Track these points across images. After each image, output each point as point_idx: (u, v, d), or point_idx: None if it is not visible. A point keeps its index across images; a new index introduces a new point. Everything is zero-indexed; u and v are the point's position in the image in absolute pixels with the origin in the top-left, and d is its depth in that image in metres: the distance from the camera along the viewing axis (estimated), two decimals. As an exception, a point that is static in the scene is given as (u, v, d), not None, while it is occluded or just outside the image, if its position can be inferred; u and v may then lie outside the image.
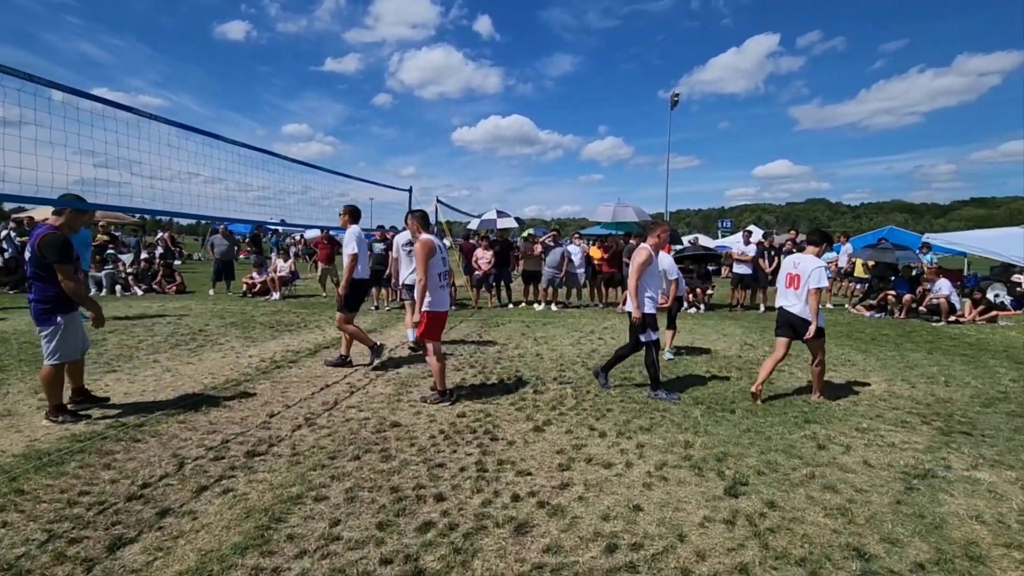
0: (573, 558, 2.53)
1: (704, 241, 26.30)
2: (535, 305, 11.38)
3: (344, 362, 6.18)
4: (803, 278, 4.90)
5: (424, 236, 4.91)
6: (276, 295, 12.24)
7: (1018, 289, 12.54)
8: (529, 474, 3.42)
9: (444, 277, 4.99)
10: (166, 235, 18.22)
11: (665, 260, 6.39)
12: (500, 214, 12.94)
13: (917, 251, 13.01)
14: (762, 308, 11.23)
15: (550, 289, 11.26)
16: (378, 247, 10.54)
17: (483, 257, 11.04)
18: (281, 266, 12.77)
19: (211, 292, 12.82)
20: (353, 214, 6.23)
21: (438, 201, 11.94)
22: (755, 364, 6.46)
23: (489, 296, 11.58)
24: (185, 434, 3.98)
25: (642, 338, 5.11)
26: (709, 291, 11.94)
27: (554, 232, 11.62)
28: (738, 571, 2.45)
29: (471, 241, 12.36)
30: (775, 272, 10.88)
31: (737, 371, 6.16)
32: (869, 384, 5.66)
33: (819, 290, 4.86)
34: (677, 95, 35.86)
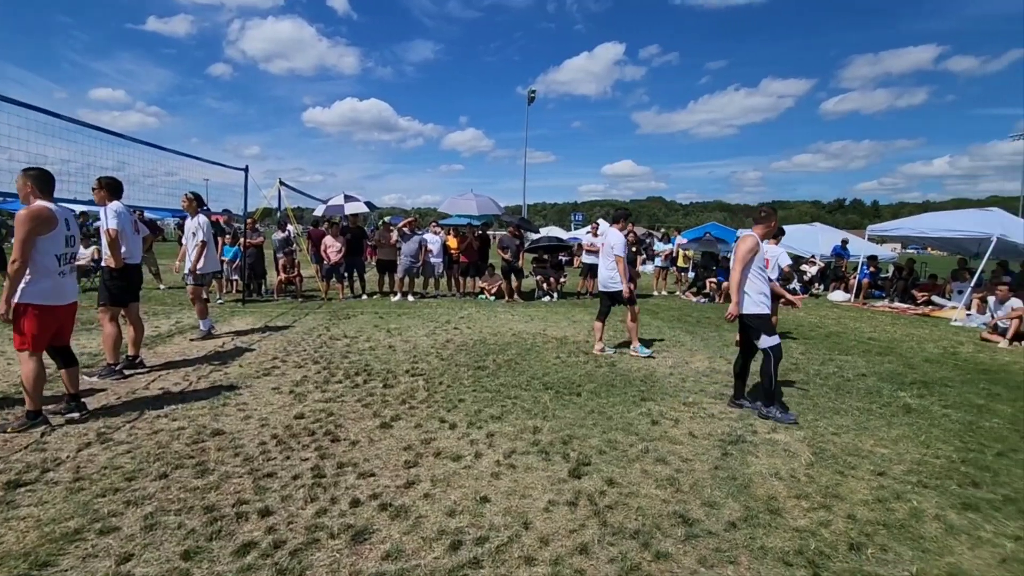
0: (415, 561, 2.38)
1: (558, 233, 27.63)
2: (391, 296, 10.96)
3: (135, 363, 5.28)
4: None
5: (38, 203, 3.61)
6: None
7: (805, 277, 14.97)
8: (372, 475, 3.19)
9: (66, 260, 3.75)
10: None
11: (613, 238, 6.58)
12: (348, 198, 12.15)
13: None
14: (607, 295, 12.02)
15: (406, 279, 10.93)
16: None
17: (332, 246, 10.34)
18: (82, 253, 10.76)
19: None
20: (111, 188, 5.01)
21: (281, 183, 10.92)
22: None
23: (340, 287, 10.89)
24: (-83, 467, 3.09)
25: (760, 344, 4.41)
26: (562, 280, 12.48)
27: (410, 220, 11.27)
28: (579, 551, 2.49)
29: (322, 228, 11.52)
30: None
31: (584, 355, 6.46)
32: (695, 362, 6.27)
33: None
34: (534, 92, 37.15)
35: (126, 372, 5.06)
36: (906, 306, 12.09)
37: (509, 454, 3.53)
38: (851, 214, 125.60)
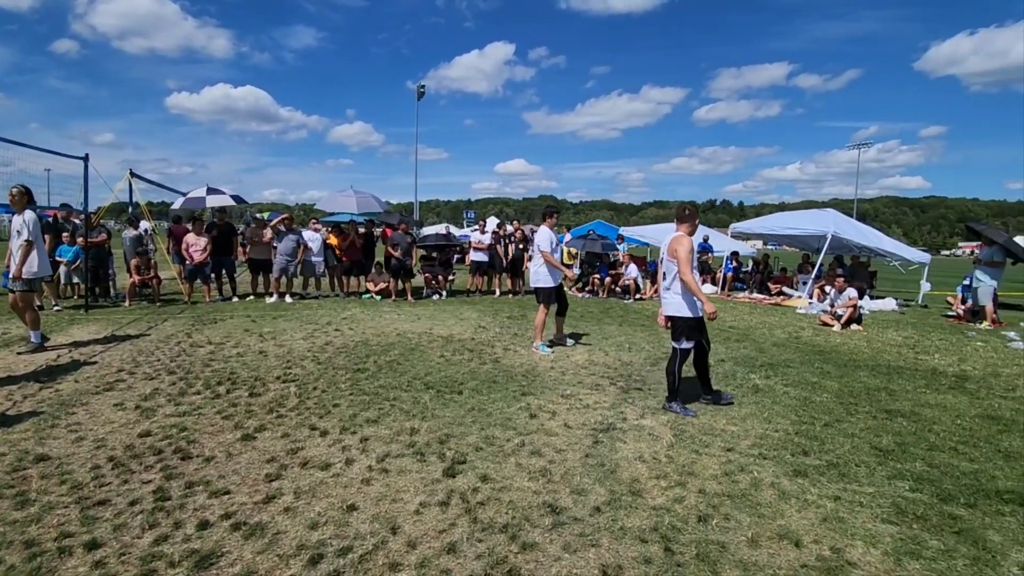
0: (267, 583, 2.20)
1: (453, 230, 27.50)
2: (266, 297, 10.21)
3: None
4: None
5: None
6: None
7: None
8: (227, 493, 2.92)
9: None
10: None
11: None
12: (212, 191, 11.10)
13: (615, 241, 15.73)
14: (497, 292, 12.15)
15: (283, 279, 10.24)
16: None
17: (195, 244, 9.41)
18: None
19: None
20: None
21: (132, 175, 9.74)
22: (486, 345, 6.87)
23: (207, 289, 9.94)
24: None
25: (677, 344, 4.50)
26: (451, 278, 12.42)
27: (286, 217, 10.57)
28: (447, 551, 2.45)
29: (186, 225, 10.44)
30: (508, 259, 11.89)
31: (469, 353, 6.45)
32: (575, 355, 6.51)
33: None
34: (423, 86, 36.68)
35: (-83, 395, 4.22)
36: (763, 297, 13.50)
37: (383, 458, 3.41)
38: (721, 213, 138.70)
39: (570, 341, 7.10)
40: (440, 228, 25.47)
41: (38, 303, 8.42)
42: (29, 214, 5.91)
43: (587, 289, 13.31)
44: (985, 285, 9.78)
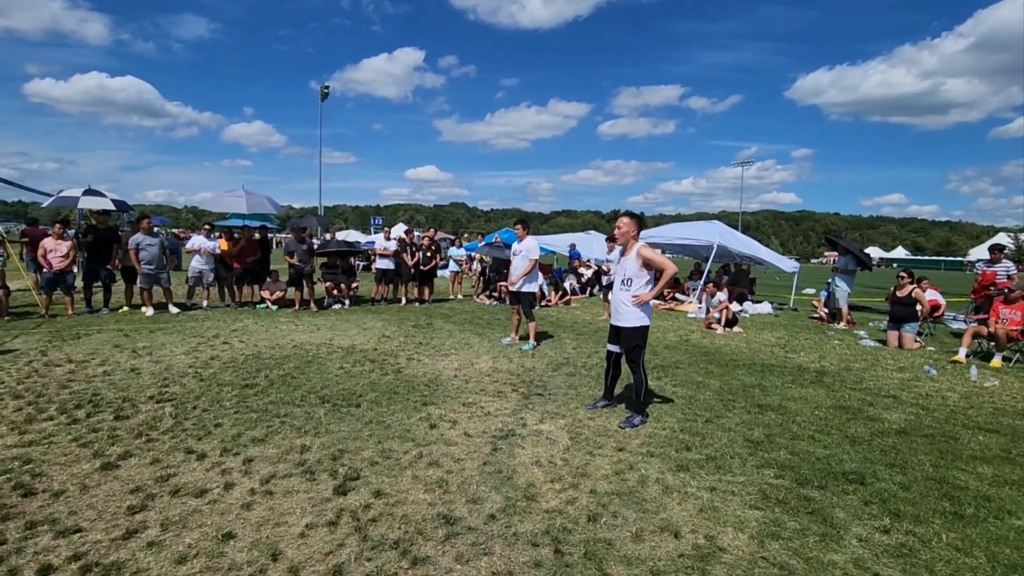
0: (121, 629, 1.98)
1: (357, 237, 26.67)
2: (143, 309, 9.27)
3: None
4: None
5: None
6: None
7: (582, 279, 16.77)
8: (78, 531, 2.59)
9: None
10: None
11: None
12: (90, 192, 10.01)
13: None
14: (403, 301, 11.91)
15: (158, 289, 9.35)
16: None
17: (55, 250, 8.34)
18: None
19: None
20: None
21: (-25, 170, 8.48)
22: (389, 355, 6.70)
23: (69, 301, 8.82)
24: None
25: (638, 355, 4.54)
26: (354, 285, 12.01)
27: (144, 219, 9.62)
28: (333, 574, 2.34)
29: (43, 227, 9.24)
30: (415, 266, 11.70)
31: (371, 363, 6.26)
32: (479, 363, 6.52)
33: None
34: (327, 87, 35.42)
35: None
36: (658, 302, 14.33)
37: (267, 479, 3.20)
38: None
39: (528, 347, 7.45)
40: (349, 234, 24.68)
41: None
42: None
43: (493, 296, 13.42)
44: (841, 290, 11.05)
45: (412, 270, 11.76)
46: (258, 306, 10.54)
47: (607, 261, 8.60)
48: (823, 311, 11.69)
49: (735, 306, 11.57)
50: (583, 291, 16.20)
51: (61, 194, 9.81)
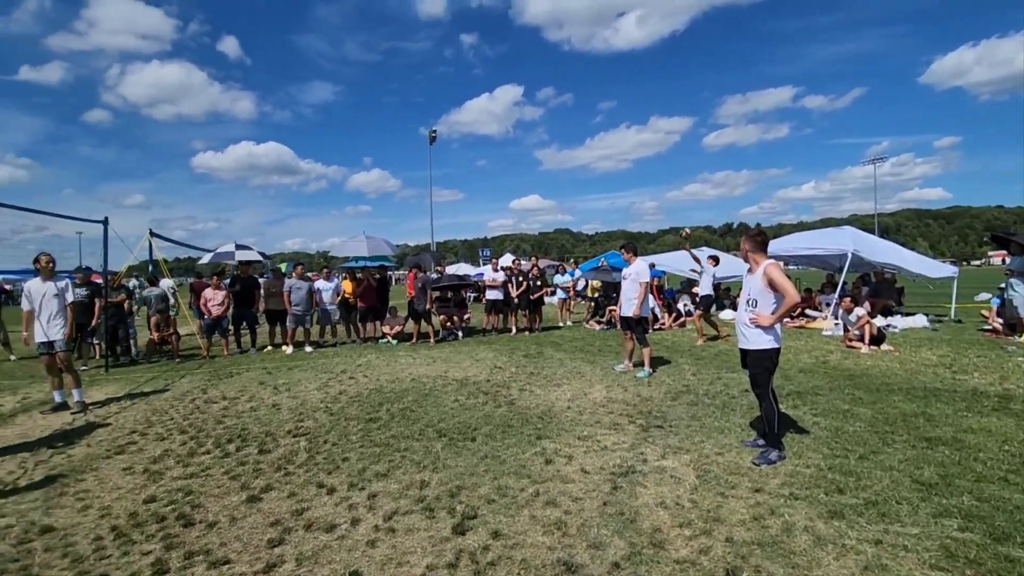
0: (261, 666, 2.06)
1: (467, 269, 27.66)
2: (284, 348, 10.25)
3: None
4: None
5: None
6: None
7: (697, 299, 15.90)
8: (227, 563, 2.80)
9: None
10: None
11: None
12: (240, 247, 11.47)
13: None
14: (513, 330, 12.03)
15: (300, 329, 10.30)
16: (79, 292, 8.23)
17: (213, 299, 9.54)
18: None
19: None
20: None
21: (152, 234, 10.02)
22: (502, 386, 6.72)
23: (224, 343, 10.02)
24: None
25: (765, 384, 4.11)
26: (466, 317, 12.35)
27: (298, 265, 10.71)
28: (454, 622, 2.28)
29: (204, 280, 10.65)
30: (522, 295, 11.81)
31: (484, 395, 6.31)
32: (593, 393, 6.32)
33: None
34: (435, 131, 37.64)
35: (-67, 468, 4.23)
36: (787, 319, 13.13)
37: (390, 516, 3.27)
38: (739, 236, 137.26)
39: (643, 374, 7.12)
40: (460, 267, 25.68)
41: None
42: (63, 281, 6.14)
43: (604, 321, 13.11)
44: (1020, 295, 9.35)
45: (517, 299, 11.88)
46: (380, 341, 11.19)
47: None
48: (996, 322, 9.98)
49: (880, 320, 10.26)
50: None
51: (218, 250, 11.31)
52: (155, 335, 9.47)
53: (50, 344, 5.96)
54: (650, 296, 12.51)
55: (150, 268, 10.19)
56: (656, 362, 7.86)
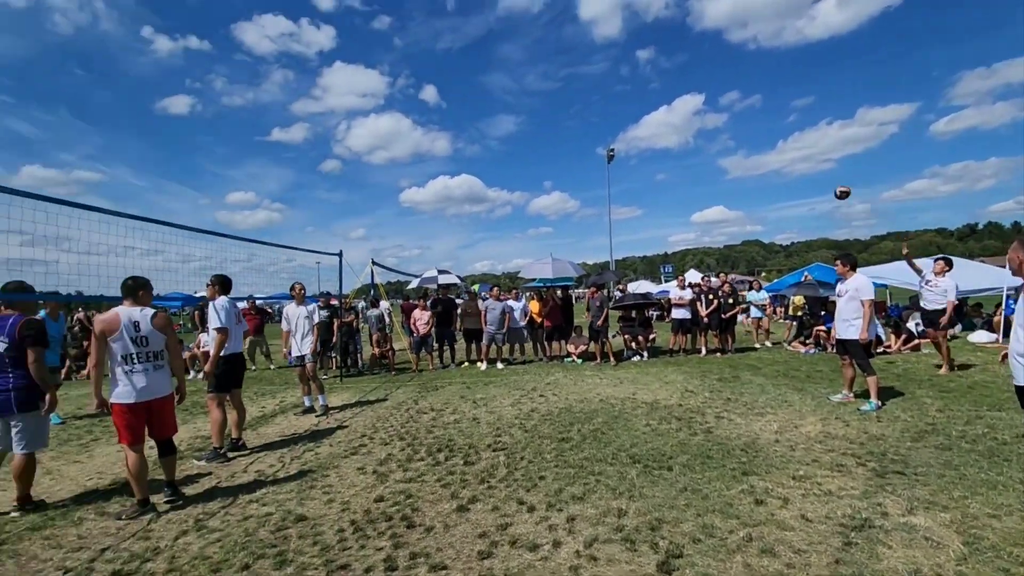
0: (481, 676, 2.17)
1: (648, 287, 26.94)
2: (478, 364, 11.05)
3: (237, 446, 5.65)
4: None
5: (112, 310, 4.06)
6: (196, 373, 11.19)
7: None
8: (444, 568, 3.05)
9: (139, 359, 3.99)
10: (82, 315, 16.91)
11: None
12: (442, 272, 12.83)
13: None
14: (703, 351, 11.30)
15: (493, 346, 11.01)
16: (322, 314, 10.04)
17: (420, 319, 10.71)
18: (205, 340, 11.94)
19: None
20: (222, 285, 5.68)
21: (373, 263, 11.67)
22: (695, 412, 6.33)
23: (430, 358, 11.17)
24: (47, 553, 3.40)
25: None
26: (651, 337, 11.96)
27: (495, 287, 11.49)
28: (668, 670, 2.16)
29: (412, 301, 12.06)
30: (713, 313, 11.05)
31: (677, 421, 6.00)
32: (805, 425, 5.59)
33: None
34: (612, 150, 37.65)
35: (229, 455, 5.39)
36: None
37: (590, 543, 3.25)
38: (988, 239, 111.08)
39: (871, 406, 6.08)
40: (640, 284, 25.15)
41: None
42: (311, 305, 7.44)
43: (809, 342, 11.61)
44: None
45: (707, 319, 11.13)
46: (565, 359, 11.41)
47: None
48: None
49: None
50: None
51: (424, 276, 12.80)
52: (376, 350, 10.96)
53: (301, 357, 7.24)
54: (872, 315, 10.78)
55: (372, 292, 11.90)
56: (884, 393, 6.68)
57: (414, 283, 13.15)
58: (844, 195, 8.01)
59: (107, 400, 3.96)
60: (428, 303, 11.00)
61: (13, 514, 4.03)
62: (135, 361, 3.99)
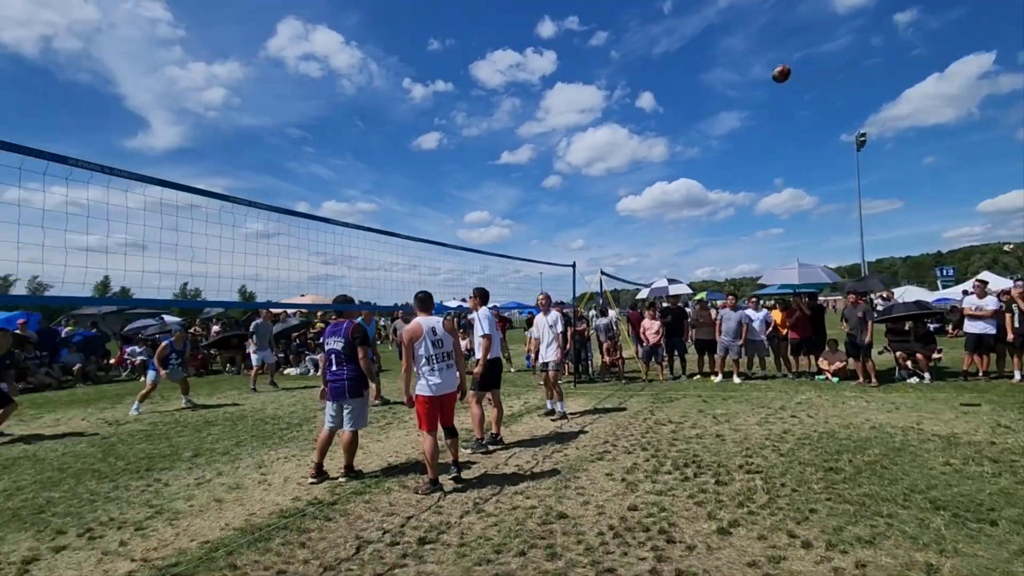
0: None
1: (917, 294, 22.31)
2: (712, 377, 10.45)
3: (496, 440, 6.22)
4: None
5: (414, 320, 4.89)
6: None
7: None
8: (717, 591, 2.94)
9: (437, 360, 4.78)
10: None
11: None
12: (671, 281, 12.59)
13: None
14: (1017, 376, 8.86)
15: (727, 359, 10.31)
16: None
17: (651, 328, 10.58)
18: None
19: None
20: (482, 297, 6.38)
21: (602, 273, 11.97)
22: (1018, 454, 5.01)
23: (660, 369, 10.95)
24: (368, 515, 4.23)
25: None
26: (935, 356, 9.84)
27: (731, 296, 10.78)
28: None
29: (639, 311, 12.01)
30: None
31: (991, 463, 4.82)
32: None
33: None
34: (864, 135, 32.29)
35: (490, 448, 6.04)
36: None
37: (893, 596, 2.79)
38: None
39: None
40: (907, 291, 21.04)
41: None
42: (555, 313, 7.93)
43: None
44: None
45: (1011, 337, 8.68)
46: (816, 377, 10.08)
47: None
48: None
49: None
50: None
51: (653, 285, 12.70)
52: (606, 358, 11.17)
53: (546, 364, 7.74)
54: None
55: (600, 301, 12.20)
56: None
57: (643, 292, 13.14)
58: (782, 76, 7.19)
59: (412, 395, 4.84)
60: (657, 312, 10.82)
61: (340, 479, 5.13)
62: (435, 361, 4.80)
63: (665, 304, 11.64)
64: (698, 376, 10.88)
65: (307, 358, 14.49)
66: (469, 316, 7.92)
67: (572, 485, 4.75)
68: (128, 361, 14.83)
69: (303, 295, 14.32)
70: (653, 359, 10.74)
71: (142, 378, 11.90)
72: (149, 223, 3.98)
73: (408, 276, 7.76)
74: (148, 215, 3.99)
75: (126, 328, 17.45)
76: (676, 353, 11.18)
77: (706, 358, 11.00)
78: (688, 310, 11.64)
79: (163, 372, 8.96)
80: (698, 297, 22.21)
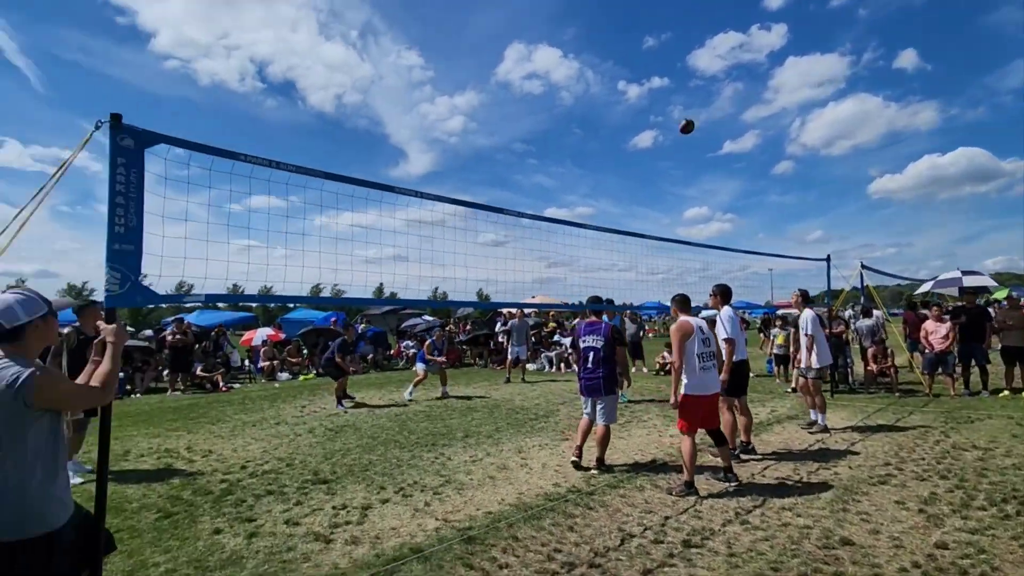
0: None
1: None
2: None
3: (747, 449, 5.88)
4: None
5: (681, 318, 4.94)
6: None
7: None
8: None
9: (705, 358, 4.82)
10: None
11: None
12: (967, 273, 10.31)
13: None
14: None
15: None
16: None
17: (936, 331, 8.76)
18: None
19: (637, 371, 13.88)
20: (724, 295, 6.00)
21: (863, 267, 10.34)
22: None
23: (950, 382, 8.97)
24: (626, 509, 4.41)
25: None
26: None
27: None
28: None
29: (917, 312, 10.06)
30: None
31: None
32: None
33: None
34: None
35: (742, 456, 5.75)
36: None
37: None
38: None
39: None
40: None
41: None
42: (808, 312, 7.16)
43: None
44: None
45: None
46: None
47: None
48: None
49: None
50: None
51: (939, 278, 10.53)
52: (873, 366, 9.61)
53: (814, 369, 7.00)
54: None
55: (863, 299, 10.53)
56: None
57: (926, 287, 11.02)
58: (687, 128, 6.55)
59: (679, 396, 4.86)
60: (945, 312, 8.92)
61: (593, 471, 5.44)
62: (704, 360, 4.85)
63: (960, 303, 9.48)
64: (1006, 392, 8.63)
65: (543, 355, 15.56)
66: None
67: (852, 509, 4.26)
68: (404, 353, 17.94)
69: (533, 296, 15.44)
70: (940, 369, 8.87)
71: (414, 367, 14.23)
72: (411, 236, 4.70)
73: (626, 276, 7.83)
74: (409, 231, 4.72)
75: (401, 325, 21.18)
76: (974, 363, 9.04)
77: (1017, 370, 8.67)
78: (991, 310, 9.31)
79: (435, 361, 10.61)
80: (998, 295, 17.57)
